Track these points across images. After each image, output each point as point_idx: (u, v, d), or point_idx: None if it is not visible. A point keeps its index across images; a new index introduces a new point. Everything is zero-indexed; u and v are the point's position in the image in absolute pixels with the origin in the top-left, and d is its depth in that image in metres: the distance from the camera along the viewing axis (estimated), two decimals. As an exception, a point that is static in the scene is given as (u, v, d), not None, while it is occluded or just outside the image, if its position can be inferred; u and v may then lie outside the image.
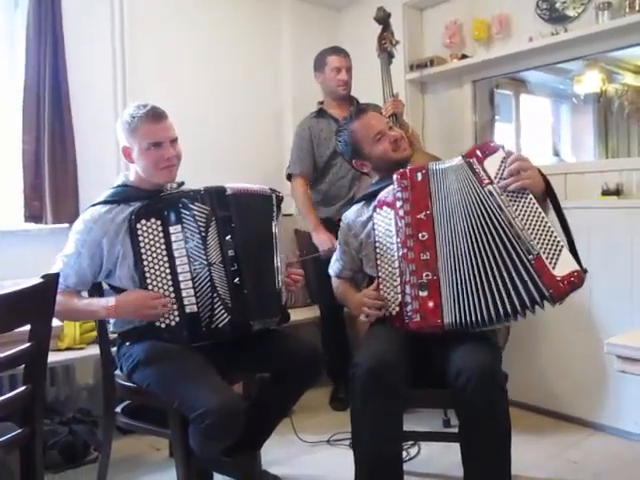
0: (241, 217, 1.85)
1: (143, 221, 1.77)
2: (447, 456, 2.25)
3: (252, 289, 1.83)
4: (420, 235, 1.75)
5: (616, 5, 2.57)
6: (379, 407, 1.63)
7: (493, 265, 1.65)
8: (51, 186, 2.60)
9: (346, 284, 2.06)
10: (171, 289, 1.77)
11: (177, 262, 1.77)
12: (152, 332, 1.78)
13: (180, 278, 1.77)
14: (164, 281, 1.77)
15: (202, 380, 1.66)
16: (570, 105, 3.30)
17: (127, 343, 1.85)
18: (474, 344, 1.69)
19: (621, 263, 2.44)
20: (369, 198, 1.97)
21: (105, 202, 1.83)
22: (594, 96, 3.07)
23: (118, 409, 1.98)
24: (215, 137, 3.20)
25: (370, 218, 1.91)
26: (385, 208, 1.85)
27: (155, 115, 1.80)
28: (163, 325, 1.77)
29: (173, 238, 1.77)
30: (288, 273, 1.97)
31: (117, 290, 1.83)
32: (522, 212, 1.64)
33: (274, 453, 2.26)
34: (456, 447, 1.69)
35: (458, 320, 1.69)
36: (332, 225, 2.72)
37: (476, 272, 1.67)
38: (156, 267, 1.77)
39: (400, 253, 1.78)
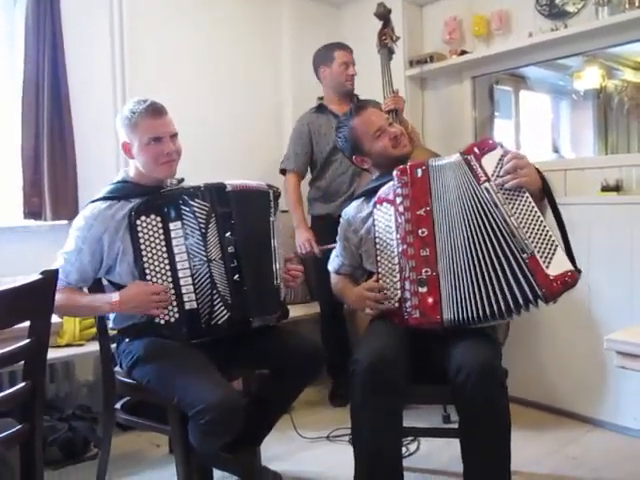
0: (241, 213, 1.85)
1: (143, 217, 1.77)
2: (447, 452, 2.26)
3: (252, 286, 1.83)
4: (420, 231, 1.75)
5: (616, 1, 2.57)
6: (379, 403, 1.63)
7: (488, 262, 1.66)
8: (50, 183, 2.60)
9: (345, 280, 2.06)
10: (171, 285, 1.77)
11: (177, 258, 1.77)
12: (152, 328, 1.78)
13: (180, 274, 1.76)
14: (164, 277, 1.77)
15: (202, 376, 1.66)
16: (570, 101, 3.29)
17: (127, 340, 1.85)
18: (474, 340, 1.69)
19: (621, 259, 2.44)
20: (369, 194, 1.96)
21: (105, 198, 1.83)
22: (594, 92, 3.07)
23: (118, 405, 1.98)
24: (215, 134, 3.19)
25: (370, 214, 1.91)
26: (385, 204, 1.85)
27: (155, 110, 1.80)
28: (162, 321, 1.77)
29: (173, 234, 1.77)
30: (287, 269, 1.97)
31: (117, 286, 1.82)
32: (518, 210, 1.64)
33: (274, 449, 2.26)
34: (456, 443, 1.70)
35: (457, 316, 1.69)
36: (332, 221, 2.71)
37: (473, 269, 1.68)
38: (156, 263, 1.77)
39: (400, 249, 1.79)
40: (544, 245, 1.61)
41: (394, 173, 1.82)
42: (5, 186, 2.67)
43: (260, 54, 3.46)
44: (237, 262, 1.81)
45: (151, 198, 1.80)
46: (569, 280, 1.59)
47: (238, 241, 1.82)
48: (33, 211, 2.61)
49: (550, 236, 1.62)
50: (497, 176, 1.67)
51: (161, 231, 1.77)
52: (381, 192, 1.88)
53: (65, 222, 2.57)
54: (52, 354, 1.75)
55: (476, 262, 1.67)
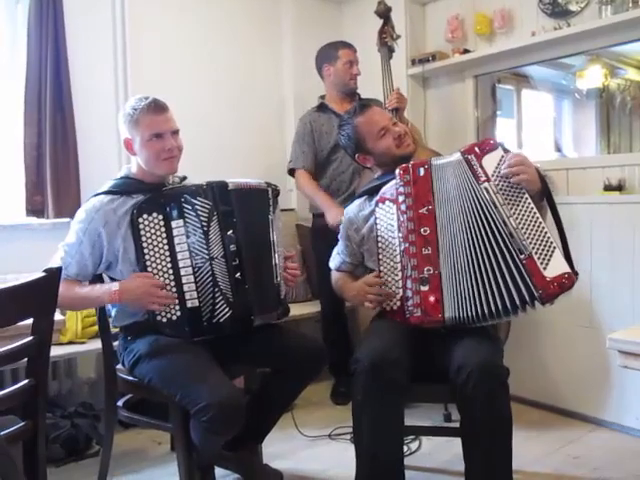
0: (242, 212, 1.85)
1: (145, 215, 1.77)
2: (448, 451, 2.26)
3: (253, 283, 1.84)
4: (422, 230, 1.75)
5: (619, 0, 2.56)
6: (380, 402, 1.63)
7: (487, 262, 1.67)
8: (53, 181, 2.60)
9: (345, 277, 2.06)
10: (172, 283, 1.77)
11: (179, 257, 1.77)
12: (153, 326, 1.79)
13: (182, 272, 1.77)
14: (165, 275, 1.77)
15: (203, 374, 1.66)
16: (572, 100, 3.28)
17: (129, 337, 1.86)
18: (475, 339, 1.69)
19: (623, 258, 2.44)
20: (371, 193, 1.97)
21: (107, 192, 1.84)
22: (596, 91, 3.06)
23: (120, 403, 1.98)
24: (216, 132, 3.20)
25: (372, 212, 1.91)
26: (387, 203, 1.85)
27: (157, 107, 1.80)
28: (164, 319, 1.78)
29: (175, 233, 1.77)
30: (285, 267, 1.97)
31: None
32: (517, 211, 1.65)
33: (275, 447, 2.26)
34: (457, 441, 1.70)
35: (458, 315, 1.70)
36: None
37: (472, 268, 1.69)
38: (158, 261, 1.77)
39: (402, 248, 1.79)
40: (542, 247, 1.62)
41: (396, 172, 1.82)
42: (8, 184, 2.67)
43: (261, 52, 3.46)
44: (239, 260, 1.81)
45: (153, 196, 1.81)
46: (566, 282, 1.60)
47: (240, 239, 1.82)
48: (35, 209, 2.62)
49: (548, 238, 1.62)
50: (497, 176, 1.68)
51: (163, 229, 1.78)
52: (383, 191, 1.88)
53: (67, 220, 2.56)
54: (54, 351, 1.74)
55: (475, 261, 1.68)
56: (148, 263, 1.77)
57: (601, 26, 2.57)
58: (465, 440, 1.67)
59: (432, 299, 1.72)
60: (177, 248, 1.77)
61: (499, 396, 1.60)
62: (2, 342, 1.19)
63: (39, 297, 1.20)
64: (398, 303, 1.81)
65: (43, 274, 1.19)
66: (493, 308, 1.66)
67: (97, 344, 2.06)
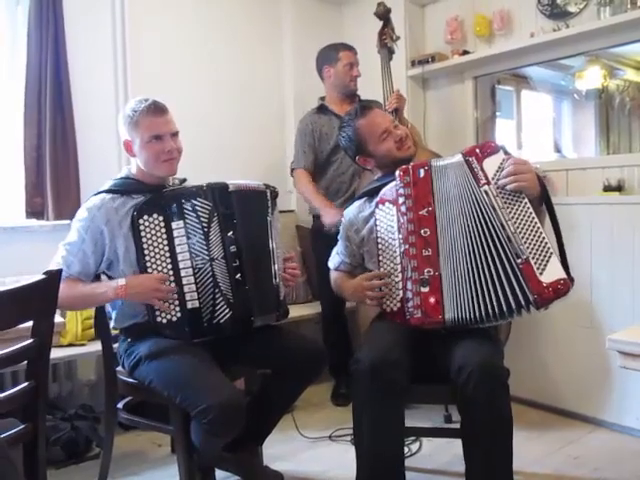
0: (243, 213, 1.85)
1: (145, 216, 1.77)
2: (449, 452, 2.26)
3: (253, 285, 1.84)
4: (422, 231, 1.75)
5: (617, 1, 2.56)
6: (381, 403, 1.63)
7: (484, 265, 1.68)
8: (52, 182, 2.60)
9: (344, 276, 2.06)
10: (173, 284, 1.77)
11: (179, 258, 1.77)
12: (153, 328, 1.79)
13: (182, 274, 1.77)
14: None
15: (204, 376, 1.66)
16: (571, 101, 3.29)
17: (129, 339, 1.86)
18: (475, 340, 1.69)
19: (623, 259, 2.44)
20: (371, 194, 1.97)
21: (109, 191, 1.84)
22: (595, 92, 3.07)
23: (120, 405, 1.98)
24: (217, 133, 3.20)
25: (372, 214, 1.91)
26: (387, 204, 1.85)
27: (156, 109, 1.81)
28: (164, 321, 1.78)
29: (175, 234, 1.77)
30: (285, 268, 1.97)
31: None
32: (516, 216, 1.66)
33: (276, 449, 2.26)
34: (458, 442, 1.70)
35: (458, 316, 1.70)
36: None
37: (471, 270, 1.69)
38: (158, 262, 1.77)
39: (402, 249, 1.79)
40: (539, 252, 1.63)
41: (396, 173, 1.82)
42: (7, 186, 2.67)
43: (262, 53, 3.46)
44: (239, 261, 1.81)
45: (153, 197, 1.81)
46: (561, 288, 1.61)
47: (240, 240, 1.82)
48: (35, 211, 2.62)
49: (546, 243, 1.63)
50: (497, 180, 1.68)
51: (163, 230, 1.78)
52: (383, 192, 1.88)
53: (67, 222, 2.55)
54: (54, 354, 1.74)
55: (474, 263, 1.69)
56: (148, 264, 1.77)
57: (600, 27, 2.57)
58: (465, 441, 1.67)
59: (432, 300, 1.73)
60: (177, 249, 1.77)
61: (499, 397, 1.60)
62: (2, 345, 1.19)
63: (39, 299, 1.20)
64: (398, 304, 1.81)
65: (43, 276, 1.19)
66: (490, 310, 1.67)
67: (97, 346, 2.06)
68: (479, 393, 1.56)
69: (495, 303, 1.66)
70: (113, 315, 1.90)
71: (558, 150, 3.37)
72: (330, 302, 2.89)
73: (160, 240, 1.77)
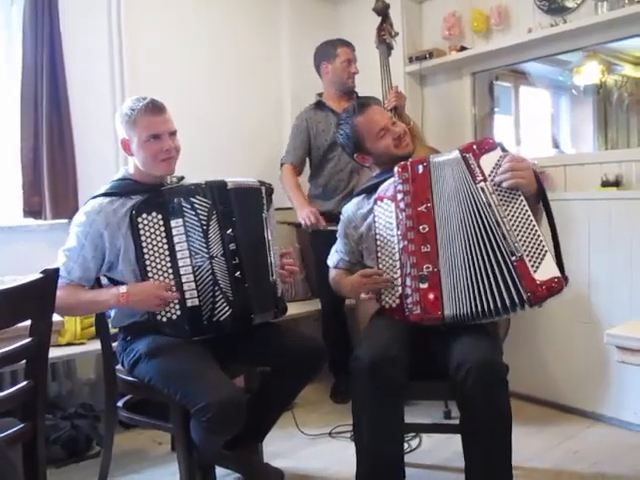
0: (241, 211, 1.85)
1: (144, 215, 1.77)
2: (448, 447, 2.26)
3: (252, 282, 1.84)
4: (421, 227, 1.75)
5: (615, -4, 2.56)
6: (380, 400, 1.63)
7: (480, 262, 1.68)
8: (50, 181, 2.59)
9: (342, 273, 2.06)
10: (172, 283, 1.77)
11: (178, 256, 1.77)
12: (153, 326, 1.79)
13: (181, 272, 1.76)
14: (165, 275, 1.77)
15: (203, 374, 1.66)
16: (569, 96, 3.28)
17: (128, 338, 1.86)
18: (474, 336, 1.70)
19: (621, 254, 2.44)
20: (369, 191, 1.97)
21: (106, 194, 1.83)
22: (593, 87, 3.06)
23: (120, 404, 1.98)
24: (214, 131, 3.19)
25: (371, 211, 1.91)
26: (386, 201, 1.85)
27: (154, 108, 1.80)
28: (164, 319, 1.78)
29: (174, 232, 1.77)
30: (282, 264, 1.97)
31: (118, 284, 1.82)
32: (512, 213, 1.66)
33: (276, 446, 2.27)
34: (457, 438, 1.70)
35: (457, 312, 1.70)
36: (332, 218, 2.71)
37: (468, 267, 1.69)
38: (157, 261, 1.77)
39: (401, 245, 1.79)
40: (534, 250, 1.63)
41: (395, 169, 1.82)
42: (5, 185, 2.66)
43: (259, 50, 3.46)
44: (238, 259, 1.81)
45: (152, 196, 1.81)
46: (555, 286, 1.61)
47: (239, 238, 1.82)
48: (33, 210, 2.61)
49: (541, 241, 1.63)
50: (494, 176, 1.68)
51: (162, 228, 1.77)
52: (382, 189, 1.88)
53: (65, 221, 2.56)
54: (53, 353, 1.74)
55: (471, 260, 1.69)
56: (147, 262, 1.77)
57: (597, 22, 2.57)
58: (465, 437, 1.67)
59: (431, 296, 1.73)
60: (177, 247, 1.77)
61: (498, 393, 1.60)
62: (0, 344, 1.19)
63: (37, 299, 1.20)
64: (397, 301, 1.81)
65: (40, 275, 1.19)
66: (486, 307, 1.67)
67: (96, 345, 2.05)
68: (478, 389, 1.57)
69: (490, 300, 1.66)
70: (112, 314, 1.90)
71: (556, 146, 3.36)
72: (329, 299, 2.89)
73: (159, 238, 1.77)
